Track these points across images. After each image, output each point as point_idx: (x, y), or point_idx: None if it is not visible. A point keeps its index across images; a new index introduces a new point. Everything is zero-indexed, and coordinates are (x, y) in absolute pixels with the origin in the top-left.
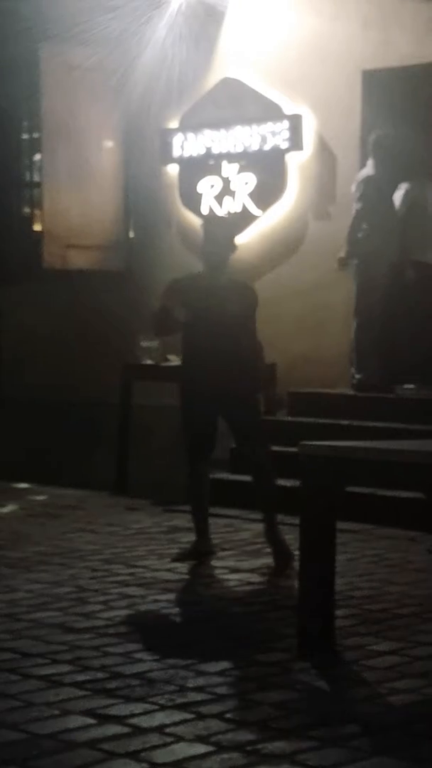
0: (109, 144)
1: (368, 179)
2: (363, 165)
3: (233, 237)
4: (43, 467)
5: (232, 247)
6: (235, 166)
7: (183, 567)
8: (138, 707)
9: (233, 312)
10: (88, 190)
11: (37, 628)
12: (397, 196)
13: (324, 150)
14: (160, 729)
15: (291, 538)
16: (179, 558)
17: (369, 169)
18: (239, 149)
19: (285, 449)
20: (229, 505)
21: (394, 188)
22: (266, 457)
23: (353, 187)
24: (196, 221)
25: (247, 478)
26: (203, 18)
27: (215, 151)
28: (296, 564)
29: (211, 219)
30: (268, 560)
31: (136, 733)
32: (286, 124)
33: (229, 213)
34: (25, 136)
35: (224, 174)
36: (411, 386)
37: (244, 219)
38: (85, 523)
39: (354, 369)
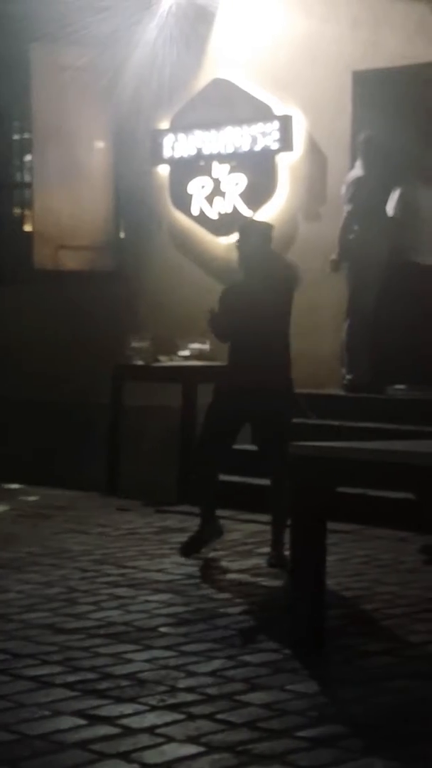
0: (99, 145)
1: (358, 180)
2: (353, 166)
3: (268, 239)
4: (34, 468)
5: (266, 247)
6: (226, 166)
7: (174, 567)
8: (128, 708)
9: (269, 314)
10: (78, 190)
11: (28, 629)
12: (391, 199)
13: (314, 151)
14: (150, 730)
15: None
16: (187, 551)
17: (358, 170)
18: (230, 150)
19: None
20: (220, 505)
21: (384, 189)
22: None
23: (343, 189)
24: (186, 222)
25: (236, 478)
26: (194, 19)
27: (206, 151)
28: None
29: (243, 225)
30: (259, 561)
31: (127, 734)
32: (276, 124)
33: (220, 214)
34: (15, 137)
35: (215, 175)
36: (402, 387)
37: (236, 220)
38: (75, 523)
39: (345, 370)
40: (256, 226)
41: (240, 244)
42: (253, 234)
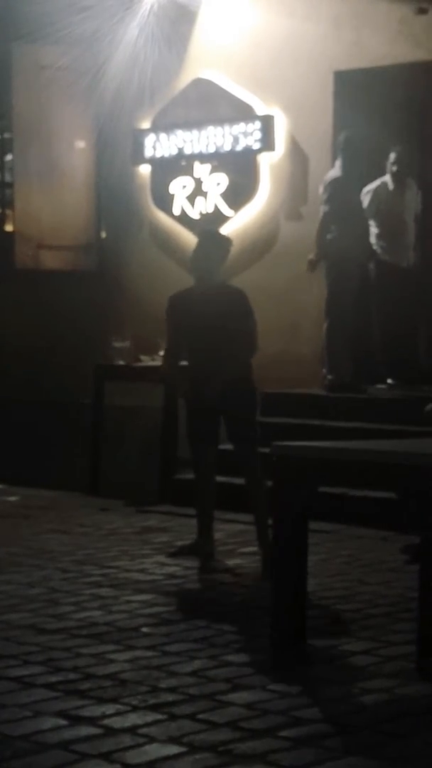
0: (80, 144)
1: (335, 181)
2: (334, 166)
3: (225, 252)
4: (15, 468)
5: (222, 260)
6: (207, 166)
7: (155, 568)
8: (110, 708)
9: (223, 317)
10: (59, 190)
11: (9, 630)
12: (365, 196)
13: (296, 150)
14: (132, 730)
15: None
16: (176, 553)
17: (336, 171)
18: (211, 150)
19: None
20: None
21: (362, 189)
22: (259, 460)
23: (321, 189)
24: (167, 222)
25: (218, 478)
26: (175, 18)
27: (187, 151)
28: None
29: (202, 233)
30: (241, 560)
31: (109, 734)
32: (258, 124)
33: (201, 214)
34: None
35: (196, 174)
36: (383, 386)
37: (219, 220)
38: (57, 523)
39: (326, 369)
40: (215, 237)
41: (195, 251)
42: (211, 243)
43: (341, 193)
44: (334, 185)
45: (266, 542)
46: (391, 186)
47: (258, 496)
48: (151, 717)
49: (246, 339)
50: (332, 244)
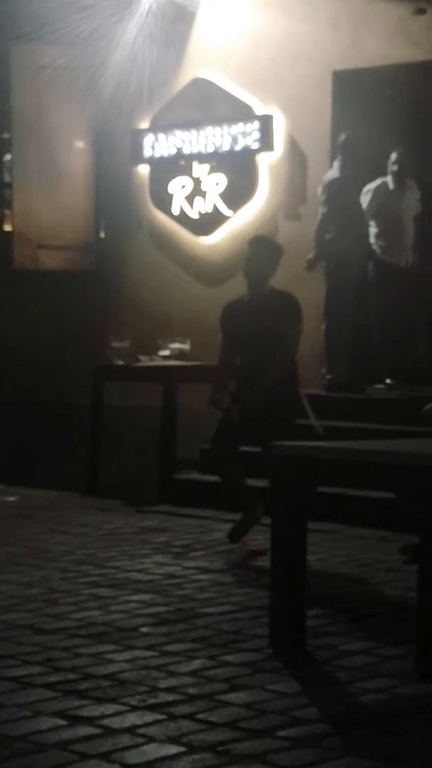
0: (79, 144)
1: (334, 182)
2: (333, 166)
3: (274, 258)
4: (14, 468)
5: (275, 266)
6: (206, 166)
7: (154, 568)
8: (109, 708)
9: (271, 323)
10: (58, 190)
11: (8, 630)
12: (365, 196)
13: (295, 150)
14: (131, 730)
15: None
16: (234, 536)
17: (335, 171)
18: (210, 150)
19: (255, 449)
20: (200, 505)
21: (361, 190)
22: None
23: (319, 190)
24: (166, 222)
25: (217, 478)
26: (174, 18)
27: (186, 151)
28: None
29: (254, 240)
30: (239, 560)
31: (108, 734)
32: (256, 124)
33: (200, 214)
34: None
35: (195, 174)
36: (381, 386)
37: (218, 221)
38: (56, 523)
39: (325, 369)
40: (266, 243)
41: (248, 258)
42: (263, 249)
43: (341, 193)
44: (333, 186)
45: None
46: (391, 186)
47: None
48: (150, 717)
49: (283, 344)
50: (331, 245)
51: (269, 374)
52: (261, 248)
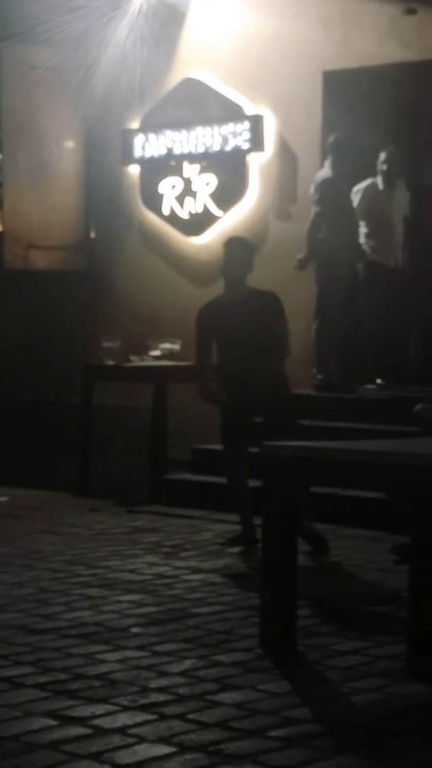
0: (70, 144)
1: (326, 181)
2: (323, 165)
3: (251, 257)
4: (4, 468)
5: (250, 265)
6: (197, 166)
7: (145, 568)
8: (100, 708)
9: (255, 323)
10: (49, 190)
11: None
12: (355, 196)
13: (285, 150)
14: (122, 730)
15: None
16: (228, 543)
17: (326, 171)
18: (200, 150)
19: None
20: (191, 505)
21: (351, 189)
22: None
23: (311, 189)
24: (157, 222)
25: (207, 478)
26: (164, 18)
27: (176, 151)
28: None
29: (231, 240)
30: (230, 560)
31: (99, 735)
32: (247, 124)
33: (190, 214)
34: None
35: (185, 175)
36: (372, 386)
37: (209, 221)
38: (47, 524)
39: (315, 369)
40: (241, 242)
41: (225, 258)
42: (238, 249)
43: (332, 193)
44: (325, 186)
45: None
46: (380, 186)
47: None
48: (141, 717)
49: (278, 343)
50: (323, 245)
51: (269, 369)
52: (237, 248)
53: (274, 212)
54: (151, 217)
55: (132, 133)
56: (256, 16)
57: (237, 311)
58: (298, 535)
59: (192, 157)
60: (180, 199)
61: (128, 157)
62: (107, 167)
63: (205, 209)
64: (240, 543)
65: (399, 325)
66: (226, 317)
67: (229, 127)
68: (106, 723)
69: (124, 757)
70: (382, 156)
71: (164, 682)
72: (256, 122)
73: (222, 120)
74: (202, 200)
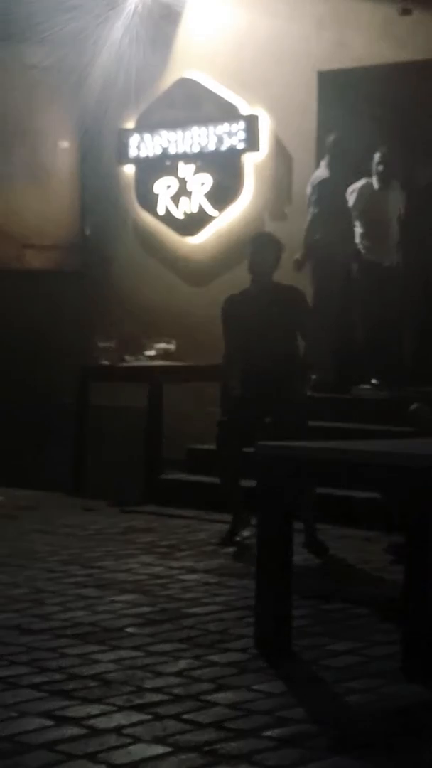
0: (65, 144)
1: (323, 182)
2: (319, 165)
3: (278, 253)
4: None
5: (276, 261)
6: (192, 166)
7: (140, 568)
8: (95, 708)
9: (278, 317)
10: (44, 190)
11: None
12: (350, 195)
13: (280, 150)
14: (117, 730)
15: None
16: (222, 543)
17: (323, 171)
18: (195, 150)
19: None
20: (186, 505)
21: (347, 189)
22: None
23: (308, 190)
24: (152, 222)
25: (202, 479)
26: (160, 18)
27: (171, 151)
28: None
29: (258, 236)
30: (225, 560)
31: (94, 735)
32: (242, 124)
33: (185, 214)
34: None
35: (181, 174)
36: (367, 386)
37: (204, 221)
38: (42, 524)
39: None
40: (268, 238)
41: (252, 253)
42: (265, 245)
43: (330, 194)
44: (322, 186)
45: (315, 542)
46: (375, 186)
47: (304, 498)
48: (136, 717)
49: (308, 330)
50: (320, 245)
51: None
52: (264, 244)
53: (269, 212)
54: (146, 216)
55: (127, 132)
56: (251, 17)
57: (267, 306)
58: (304, 546)
59: (187, 157)
60: (175, 199)
61: (123, 157)
62: (102, 167)
63: (201, 209)
64: (226, 541)
65: (394, 325)
66: (255, 312)
67: (224, 127)
68: (102, 723)
69: (119, 757)
70: (377, 156)
71: (159, 682)
72: (251, 122)
73: (217, 120)
74: (198, 200)
